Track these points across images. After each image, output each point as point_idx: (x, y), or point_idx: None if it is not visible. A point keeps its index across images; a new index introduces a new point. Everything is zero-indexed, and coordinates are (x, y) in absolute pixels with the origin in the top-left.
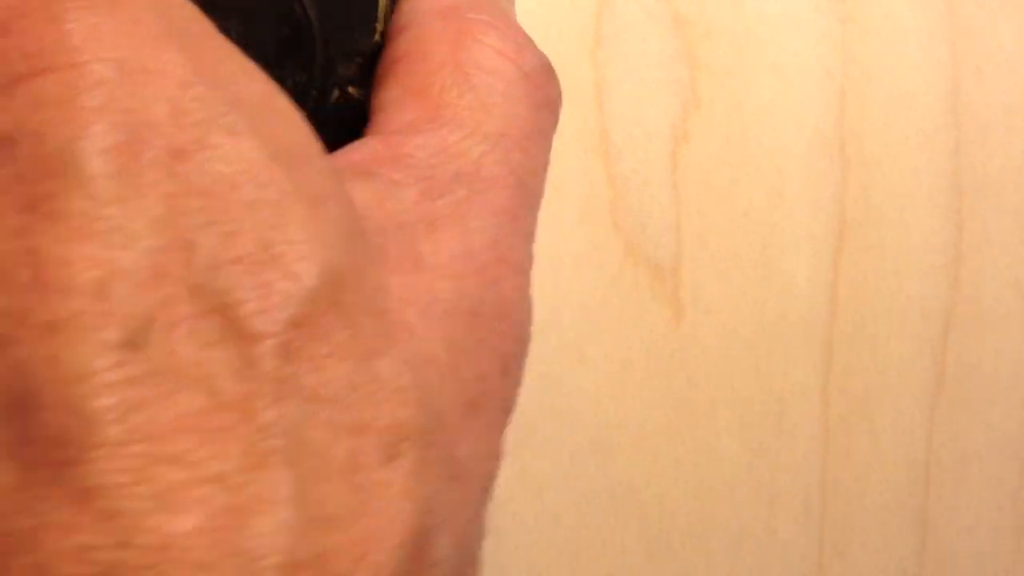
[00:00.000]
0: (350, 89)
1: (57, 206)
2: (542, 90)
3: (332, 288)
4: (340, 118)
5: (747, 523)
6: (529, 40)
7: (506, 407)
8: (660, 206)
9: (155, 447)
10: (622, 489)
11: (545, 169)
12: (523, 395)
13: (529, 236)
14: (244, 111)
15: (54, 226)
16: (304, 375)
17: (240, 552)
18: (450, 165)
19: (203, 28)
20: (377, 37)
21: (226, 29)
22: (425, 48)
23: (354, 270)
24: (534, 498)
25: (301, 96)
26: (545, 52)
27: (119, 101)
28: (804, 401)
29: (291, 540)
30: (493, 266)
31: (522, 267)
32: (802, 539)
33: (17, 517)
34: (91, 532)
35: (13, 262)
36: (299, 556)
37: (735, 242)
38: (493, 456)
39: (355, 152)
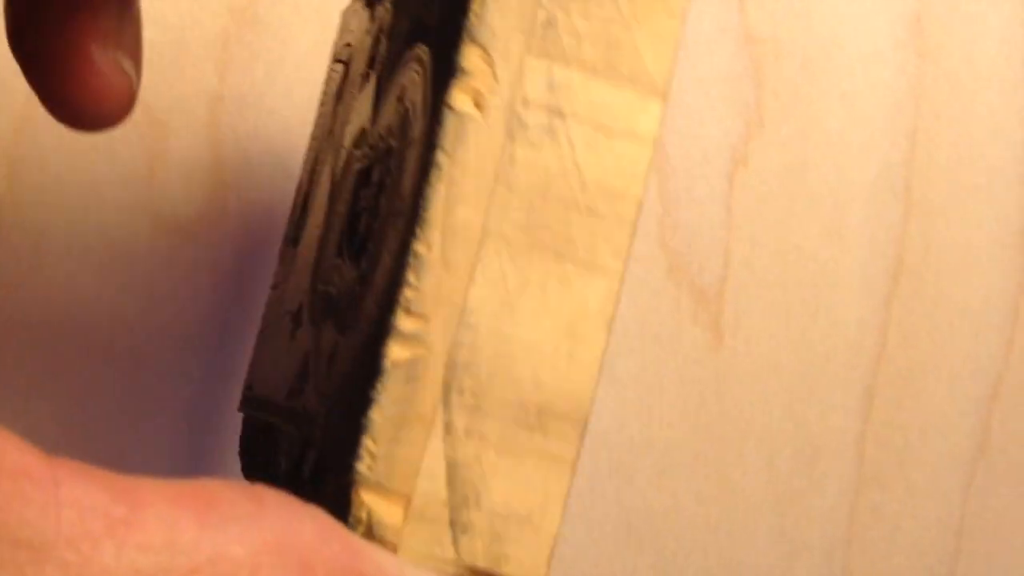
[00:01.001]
0: None
1: None
2: None
3: None
4: None
5: (764, 570)
6: None
7: None
8: (711, 227)
9: None
10: (639, 518)
11: None
12: None
13: None
14: None
15: None
16: None
17: None
18: None
19: None
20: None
21: None
22: None
23: None
24: None
25: None
26: None
27: None
28: (839, 448)
29: None
30: None
31: None
32: None
33: None
34: None
35: None
36: None
37: (785, 274)
38: None
39: None
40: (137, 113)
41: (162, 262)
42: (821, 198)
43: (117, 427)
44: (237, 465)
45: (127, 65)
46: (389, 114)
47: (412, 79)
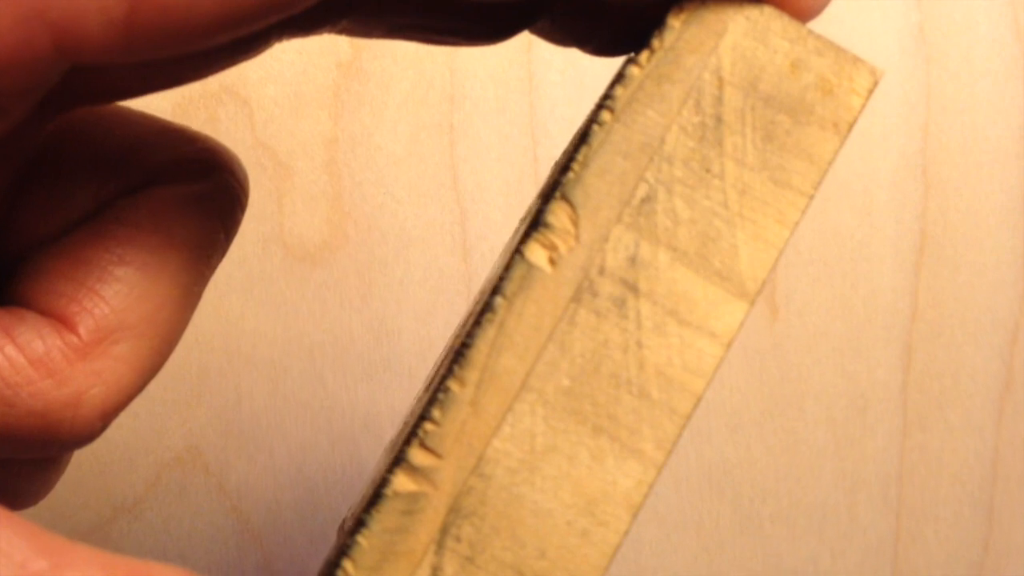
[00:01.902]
0: None
1: None
2: None
3: None
4: None
5: (830, 507)
6: None
7: None
8: None
9: None
10: (717, 472)
11: None
12: None
13: None
14: None
15: None
16: None
17: None
18: None
19: None
20: None
21: None
22: None
23: None
24: None
25: None
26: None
27: None
28: (885, 398)
29: None
30: None
31: None
32: (880, 524)
33: None
34: None
35: None
36: None
37: (827, 252)
38: None
39: None
40: (264, 158)
41: (295, 283)
42: (853, 186)
43: (263, 425)
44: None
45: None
46: (498, 266)
47: (518, 232)
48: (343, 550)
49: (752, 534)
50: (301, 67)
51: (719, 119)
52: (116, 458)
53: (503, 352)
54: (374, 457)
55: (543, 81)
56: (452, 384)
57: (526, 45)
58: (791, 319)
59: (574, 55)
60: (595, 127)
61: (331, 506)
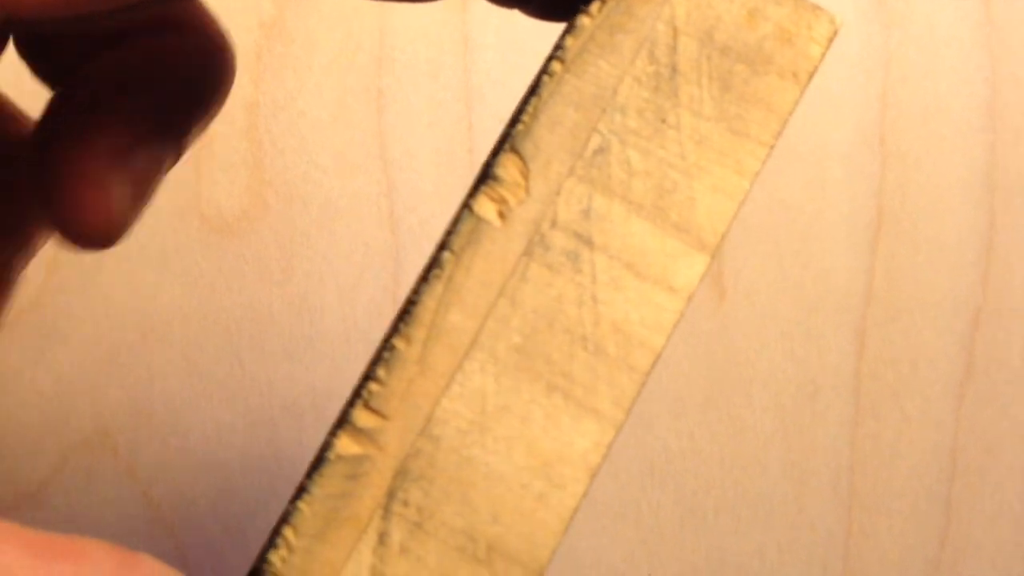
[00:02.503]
0: None
1: None
2: None
3: None
4: None
5: (777, 498)
6: None
7: None
8: None
9: None
10: (660, 459)
11: None
12: None
13: None
14: None
15: None
16: None
17: None
18: None
19: None
20: None
21: None
22: None
23: None
24: None
25: None
26: None
27: None
28: (837, 384)
29: None
30: None
31: None
32: (830, 517)
33: None
34: None
35: None
36: None
37: (776, 229)
38: None
39: None
40: None
41: (211, 256)
42: (805, 158)
43: (177, 406)
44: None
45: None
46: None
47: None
48: (284, 517)
49: (695, 526)
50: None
51: (674, 69)
52: (19, 441)
53: (451, 308)
54: (294, 441)
55: (479, 43)
56: (398, 342)
57: (461, 4)
58: (738, 299)
59: (514, 15)
60: (545, 78)
61: (248, 493)
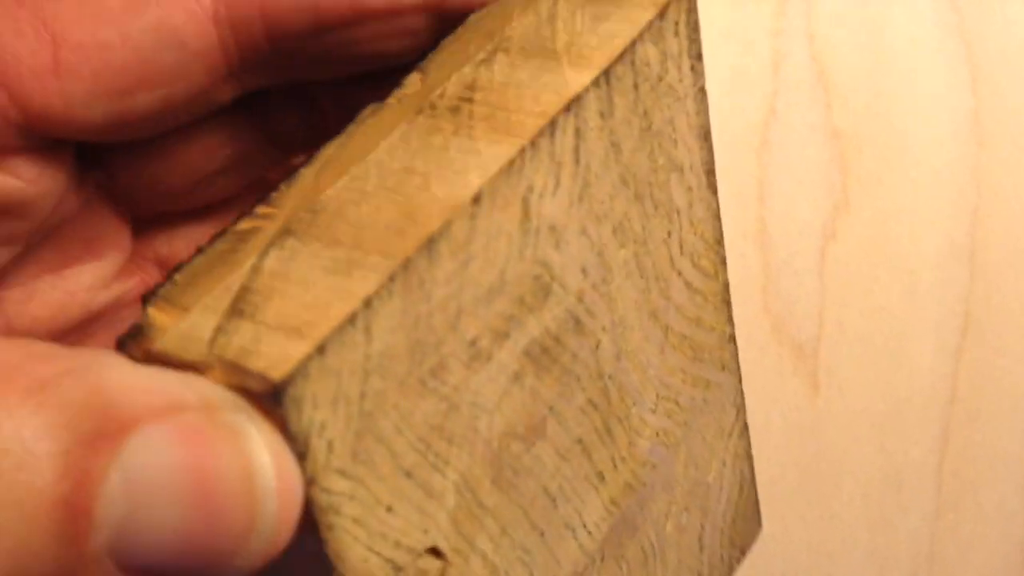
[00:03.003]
0: None
1: None
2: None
3: None
4: None
5: None
6: None
7: None
8: (807, 293)
9: None
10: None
11: None
12: None
13: None
14: None
15: None
16: None
17: None
18: None
19: None
20: None
21: None
22: None
23: None
24: None
25: None
26: (718, 150)
27: None
28: (920, 478)
29: None
30: None
31: None
32: None
33: None
34: None
35: None
36: None
37: (870, 331)
38: None
39: None
40: None
41: None
42: (899, 266)
43: None
44: None
45: None
46: None
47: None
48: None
49: None
50: None
51: None
52: None
53: (347, 148)
54: None
55: None
56: (303, 170)
57: None
58: (832, 395)
59: None
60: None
61: None
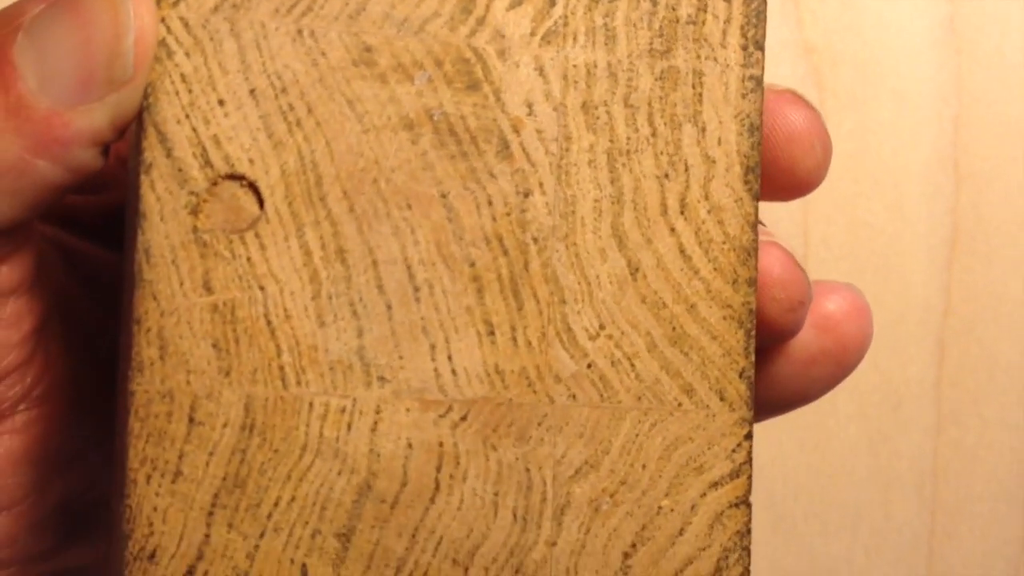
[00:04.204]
0: None
1: None
2: None
3: None
4: None
5: (864, 504)
6: None
7: None
8: (789, 212)
9: None
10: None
11: None
12: None
13: None
14: None
15: None
16: None
17: None
18: None
19: None
20: None
21: None
22: None
23: None
24: None
25: None
26: None
27: None
28: (919, 394)
29: None
30: None
31: None
32: (914, 521)
33: None
34: None
35: None
36: None
37: (857, 248)
38: None
39: None
40: None
41: None
42: (883, 181)
43: None
44: None
45: None
46: None
47: None
48: None
49: (785, 532)
50: None
51: None
52: None
53: None
54: None
55: None
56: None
57: None
58: None
59: None
60: None
61: None
